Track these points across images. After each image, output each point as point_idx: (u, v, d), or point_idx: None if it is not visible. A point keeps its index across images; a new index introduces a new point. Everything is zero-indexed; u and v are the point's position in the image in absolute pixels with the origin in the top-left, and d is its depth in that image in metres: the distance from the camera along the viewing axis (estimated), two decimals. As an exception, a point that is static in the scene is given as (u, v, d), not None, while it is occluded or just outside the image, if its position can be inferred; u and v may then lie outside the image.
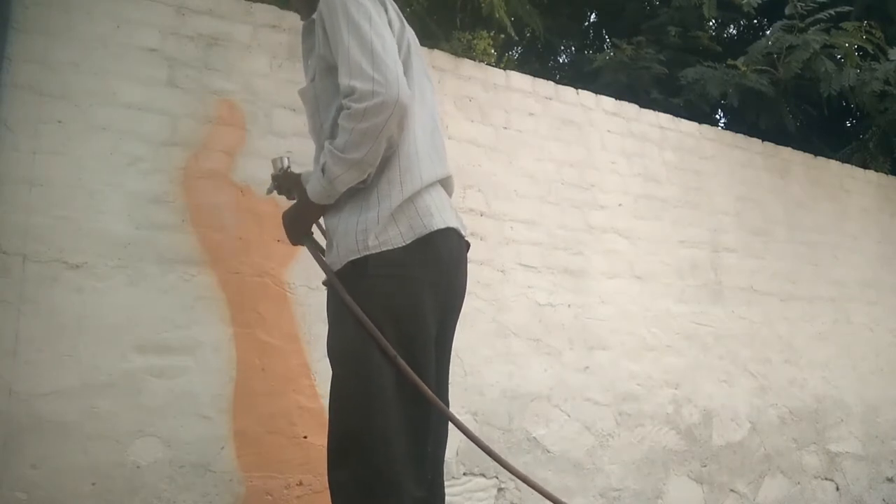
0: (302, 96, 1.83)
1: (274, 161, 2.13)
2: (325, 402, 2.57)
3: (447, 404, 1.73)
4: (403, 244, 1.57)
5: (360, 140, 1.50)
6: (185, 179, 2.50)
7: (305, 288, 2.63)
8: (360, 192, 1.63)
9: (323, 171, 1.59)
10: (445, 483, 1.77)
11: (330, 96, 1.67)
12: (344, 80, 1.52)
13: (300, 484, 2.51)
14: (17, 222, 2.22)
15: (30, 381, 2.17)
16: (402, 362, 1.55)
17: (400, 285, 1.59)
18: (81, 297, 2.27)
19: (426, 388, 1.57)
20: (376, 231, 1.57)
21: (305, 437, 2.54)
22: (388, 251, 1.56)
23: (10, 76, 2.27)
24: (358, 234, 1.58)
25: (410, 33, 1.78)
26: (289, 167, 2.10)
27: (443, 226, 1.64)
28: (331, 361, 1.69)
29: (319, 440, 2.56)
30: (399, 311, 1.59)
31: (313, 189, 1.65)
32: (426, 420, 1.62)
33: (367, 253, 1.56)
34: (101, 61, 2.42)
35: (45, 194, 2.27)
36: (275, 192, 2.15)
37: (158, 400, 2.33)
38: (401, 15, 1.74)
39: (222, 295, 2.49)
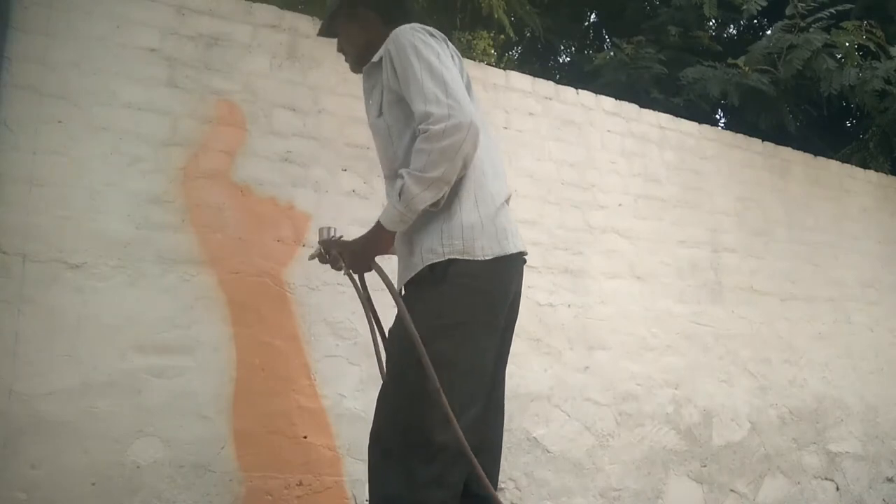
0: (374, 130, 1.88)
1: (321, 230, 2.13)
2: (325, 402, 2.60)
3: (503, 407, 1.81)
4: (484, 258, 1.66)
5: (439, 159, 1.58)
6: (185, 179, 2.50)
7: (305, 288, 2.63)
8: (437, 211, 1.69)
9: (400, 194, 1.65)
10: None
11: (402, 125, 1.75)
12: (420, 107, 1.62)
13: (300, 484, 2.51)
14: (17, 222, 2.22)
15: (30, 381, 2.17)
16: (440, 389, 1.59)
17: (475, 294, 1.66)
18: (81, 297, 2.27)
19: (450, 410, 1.59)
20: (462, 238, 1.66)
21: (305, 437, 2.54)
22: (468, 261, 1.64)
23: (10, 76, 2.27)
24: (444, 238, 1.66)
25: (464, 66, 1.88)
26: (340, 237, 2.07)
27: (515, 250, 1.73)
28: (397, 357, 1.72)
29: (319, 440, 2.56)
30: (471, 317, 1.66)
31: (388, 216, 1.71)
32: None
33: (451, 257, 1.64)
34: (101, 61, 2.42)
35: (45, 194, 2.27)
36: (317, 259, 2.17)
37: (158, 400, 2.33)
38: (456, 51, 1.84)
39: (222, 295, 2.49)
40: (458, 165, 1.60)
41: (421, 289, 1.69)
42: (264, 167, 2.65)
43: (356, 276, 1.90)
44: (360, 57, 1.93)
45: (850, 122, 6.82)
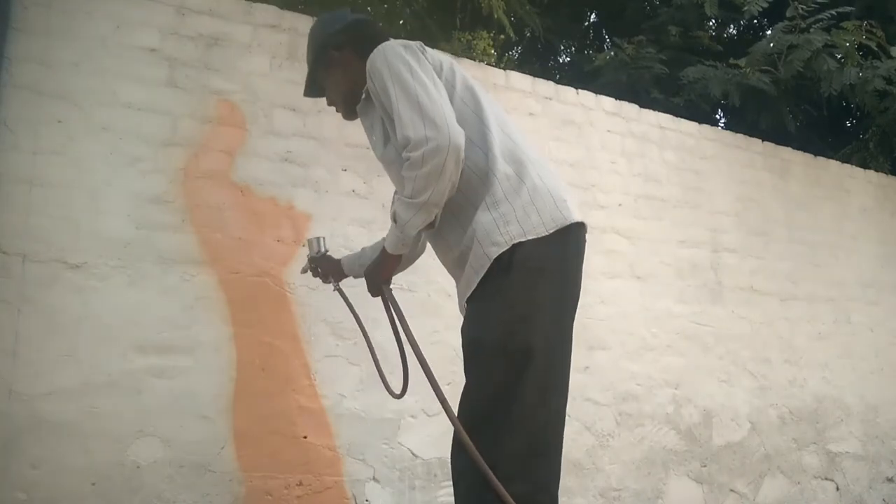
0: (385, 162, 1.87)
1: (310, 242, 2.17)
2: (325, 402, 2.60)
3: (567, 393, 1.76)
4: (546, 233, 1.61)
5: (425, 184, 1.57)
6: (185, 179, 2.50)
7: (305, 288, 2.63)
8: (481, 194, 1.66)
9: (395, 220, 1.66)
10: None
11: None
12: (399, 133, 1.61)
13: (300, 484, 2.51)
14: (17, 222, 2.23)
15: (30, 381, 2.17)
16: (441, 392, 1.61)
17: (544, 275, 1.62)
18: (81, 297, 2.27)
19: (446, 400, 1.62)
20: (518, 218, 1.61)
21: (305, 437, 2.54)
22: (531, 241, 1.60)
23: (10, 76, 2.27)
24: (500, 226, 1.61)
25: (453, 70, 1.81)
26: (326, 251, 2.15)
27: (577, 219, 1.69)
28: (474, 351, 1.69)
29: (319, 440, 2.56)
30: (545, 300, 1.63)
31: (390, 241, 1.72)
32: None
33: (514, 242, 1.59)
34: (101, 61, 2.42)
35: (45, 194, 2.27)
36: (309, 272, 2.20)
37: (158, 400, 2.33)
38: (438, 56, 1.79)
39: (222, 295, 2.49)
40: (446, 186, 1.59)
41: (488, 284, 1.63)
42: (264, 167, 2.65)
43: (387, 298, 1.89)
44: (350, 101, 1.92)
45: (850, 122, 6.82)
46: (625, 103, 3.74)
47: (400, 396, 2.09)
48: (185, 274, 2.44)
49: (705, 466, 3.51)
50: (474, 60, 3.41)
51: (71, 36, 2.39)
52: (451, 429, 1.68)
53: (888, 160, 5.40)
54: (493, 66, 3.74)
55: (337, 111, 2.00)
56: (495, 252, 1.60)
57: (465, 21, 4.86)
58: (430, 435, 2.74)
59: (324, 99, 2.02)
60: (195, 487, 2.34)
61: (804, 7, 4.51)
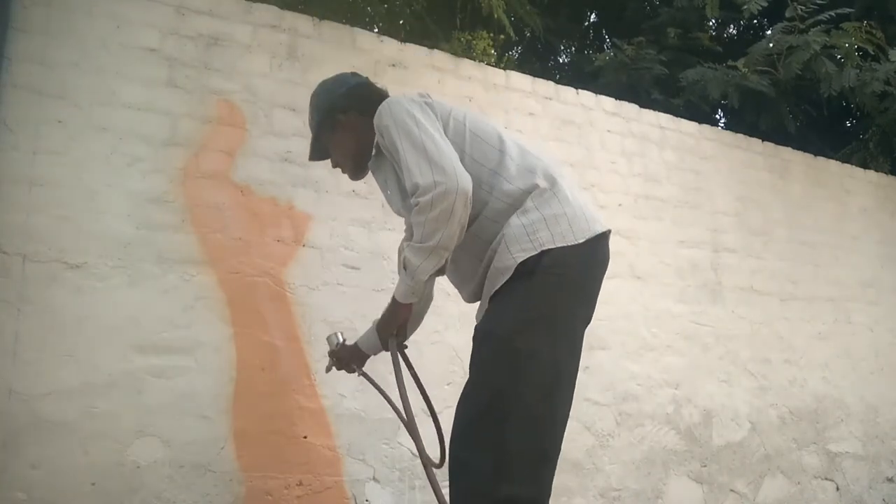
0: (403, 214, 1.89)
1: (329, 339, 2.19)
2: (325, 402, 2.60)
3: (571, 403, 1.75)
4: (575, 242, 1.64)
5: (434, 228, 1.60)
6: (185, 179, 2.50)
7: (305, 288, 2.63)
8: (508, 213, 1.68)
9: (405, 267, 1.68)
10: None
11: None
12: (408, 182, 1.65)
13: (300, 484, 2.51)
14: (17, 222, 2.22)
15: (30, 381, 2.17)
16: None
17: (565, 285, 1.65)
18: (81, 297, 2.27)
19: (390, 397, 1.67)
20: (548, 225, 1.64)
21: (305, 437, 2.54)
22: (560, 248, 1.62)
23: (10, 76, 2.27)
24: (529, 232, 1.64)
25: (464, 112, 1.85)
26: (345, 341, 2.17)
27: (604, 229, 1.72)
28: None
29: (319, 440, 2.56)
30: (559, 309, 1.65)
31: (400, 290, 1.74)
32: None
33: (543, 248, 1.62)
34: (101, 61, 2.42)
35: (45, 194, 2.27)
36: (333, 368, 2.22)
37: (158, 400, 2.33)
38: (445, 105, 1.83)
39: (222, 295, 2.49)
40: (455, 230, 1.61)
41: (511, 284, 1.64)
42: (264, 167, 2.65)
43: (394, 352, 1.90)
44: (358, 161, 1.95)
45: (850, 122, 6.82)
46: (624, 103, 3.74)
47: (440, 466, 1.92)
48: (185, 274, 2.44)
49: (705, 466, 3.51)
50: (474, 60, 3.41)
51: (71, 36, 2.39)
52: (451, 429, 1.68)
53: (888, 160, 5.41)
54: (493, 66, 3.74)
55: (343, 172, 2.02)
56: (522, 256, 1.62)
57: (465, 21, 4.87)
58: (430, 435, 2.73)
59: None
60: (195, 487, 2.34)
61: (803, 7, 4.51)
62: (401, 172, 1.72)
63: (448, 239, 1.62)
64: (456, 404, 1.65)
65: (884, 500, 4.15)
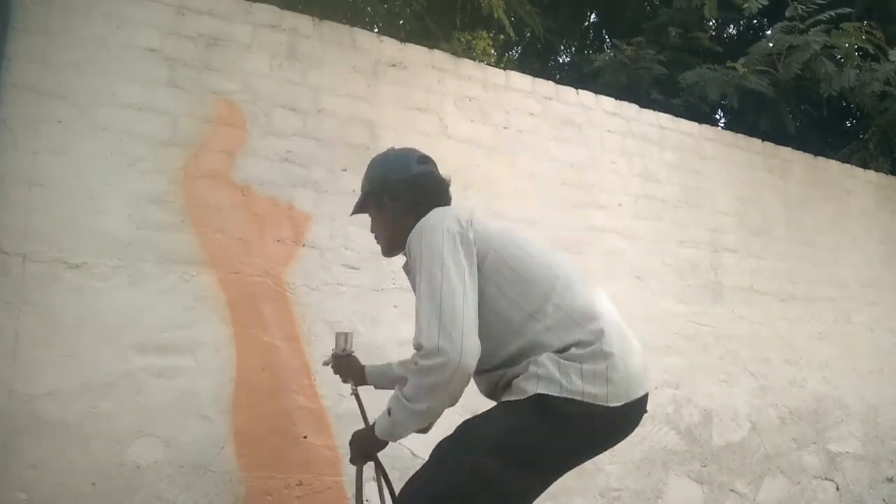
0: None
1: (337, 336, 2.22)
2: (325, 402, 2.60)
3: None
4: (607, 405, 1.51)
5: (426, 395, 1.54)
6: (185, 179, 2.50)
7: (305, 288, 2.63)
8: (552, 343, 1.57)
9: (389, 412, 1.62)
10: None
11: None
12: (415, 333, 1.57)
13: (300, 484, 2.51)
14: (17, 222, 2.22)
15: (30, 381, 2.17)
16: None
17: (574, 440, 1.56)
18: (81, 297, 2.27)
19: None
20: (584, 376, 1.52)
21: (305, 437, 2.54)
22: (591, 405, 1.50)
23: (10, 76, 2.27)
24: (563, 376, 1.51)
25: (508, 242, 1.72)
26: (352, 351, 2.19)
27: (644, 391, 1.60)
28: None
29: (319, 440, 2.56)
30: (547, 457, 1.57)
31: (380, 426, 1.67)
32: None
33: (569, 397, 1.50)
34: (101, 61, 2.42)
35: (45, 194, 2.27)
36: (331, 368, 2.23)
37: (158, 400, 2.33)
38: (492, 228, 1.72)
39: (222, 295, 2.49)
40: (445, 402, 1.55)
41: (518, 406, 1.54)
42: (264, 167, 2.65)
43: (360, 472, 1.90)
44: (391, 245, 1.90)
45: (850, 123, 6.83)
46: (625, 103, 3.74)
47: None
48: (185, 274, 2.44)
49: (705, 466, 3.51)
50: (474, 60, 3.41)
51: (71, 36, 2.39)
52: (452, 429, 1.69)
53: (888, 160, 5.41)
54: (493, 66, 3.74)
55: (377, 243, 1.96)
56: (546, 391, 1.51)
57: (465, 21, 4.86)
58: (429, 435, 2.73)
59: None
60: (195, 487, 2.34)
61: (803, 7, 4.51)
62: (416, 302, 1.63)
63: (435, 409, 1.56)
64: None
65: (884, 500, 4.15)
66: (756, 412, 3.75)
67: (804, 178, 4.33)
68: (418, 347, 1.55)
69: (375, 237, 1.96)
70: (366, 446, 1.83)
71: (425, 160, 1.90)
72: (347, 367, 2.25)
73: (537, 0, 5.25)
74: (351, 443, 1.88)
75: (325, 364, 2.32)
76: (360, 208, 1.96)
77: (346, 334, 2.26)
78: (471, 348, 1.52)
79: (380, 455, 1.91)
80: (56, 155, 2.31)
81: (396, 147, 2.00)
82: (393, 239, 1.88)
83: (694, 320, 3.64)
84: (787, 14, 4.57)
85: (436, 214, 1.70)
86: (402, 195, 1.83)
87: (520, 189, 3.23)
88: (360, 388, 2.24)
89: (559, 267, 1.70)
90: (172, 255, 2.43)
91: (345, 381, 2.28)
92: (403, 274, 1.86)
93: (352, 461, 1.89)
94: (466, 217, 1.70)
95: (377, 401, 2.23)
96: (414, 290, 1.68)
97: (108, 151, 2.39)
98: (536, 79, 3.47)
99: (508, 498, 1.56)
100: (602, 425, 1.56)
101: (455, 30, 4.84)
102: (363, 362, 2.29)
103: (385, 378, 2.21)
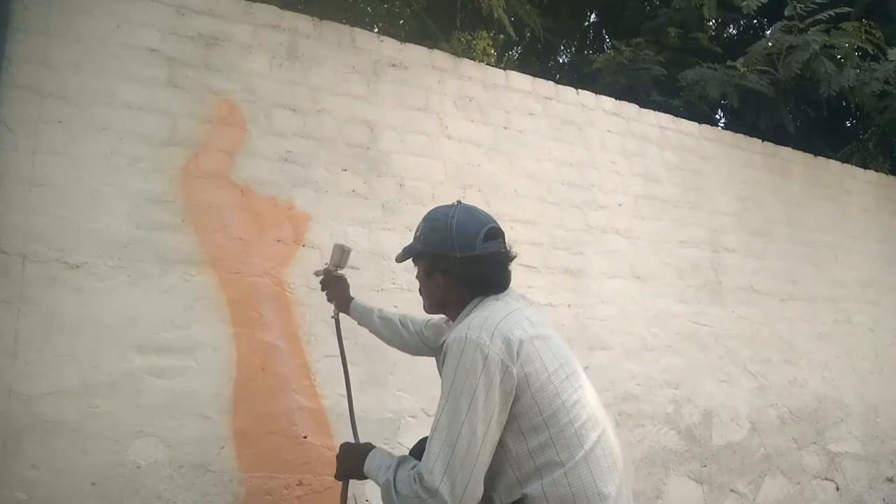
0: None
1: (335, 248, 2.21)
2: (325, 402, 2.60)
3: None
4: None
5: None
6: (185, 179, 2.50)
7: (305, 288, 2.63)
8: (540, 453, 1.53)
9: (380, 471, 1.61)
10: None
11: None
12: (423, 460, 1.52)
13: (300, 484, 2.51)
14: (17, 222, 2.22)
15: (30, 381, 2.17)
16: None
17: None
18: (81, 297, 2.27)
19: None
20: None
21: (305, 437, 2.54)
22: None
23: (10, 76, 2.27)
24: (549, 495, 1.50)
25: (551, 397, 1.58)
26: (344, 274, 2.20)
27: None
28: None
29: (319, 440, 2.56)
30: None
31: (371, 468, 1.67)
32: None
33: None
34: (101, 61, 2.42)
35: (45, 194, 2.27)
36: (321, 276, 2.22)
37: (158, 400, 2.33)
38: (533, 366, 1.56)
39: (222, 295, 2.49)
40: None
41: None
42: (264, 167, 2.65)
43: (344, 489, 1.91)
44: (433, 311, 1.82)
45: (850, 122, 6.83)
46: (624, 103, 3.74)
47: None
48: (185, 274, 2.44)
49: (705, 466, 3.51)
50: (474, 60, 3.41)
51: (71, 36, 2.39)
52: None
53: (888, 160, 5.41)
54: (493, 66, 3.74)
55: (420, 294, 1.83)
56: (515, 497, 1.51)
57: (465, 21, 4.87)
58: (430, 435, 2.74)
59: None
60: (195, 487, 2.34)
61: (803, 7, 4.52)
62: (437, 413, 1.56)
63: None
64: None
65: (884, 500, 4.15)
66: (756, 412, 3.75)
67: (804, 178, 4.33)
68: (419, 477, 1.50)
69: (419, 289, 1.83)
70: (351, 469, 1.79)
71: (494, 235, 1.69)
72: (336, 288, 2.20)
73: (537, 0, 5.24)
74: (338, 457, 1.85)
75: (316, 274, 2.28)
76: (407, 257, 1.80)
77: (342, 248, 2.16)
78: (469, 502, 1.49)
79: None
80: (56, 155, 2.31)
81: (465, 208, 1.73)
82: (435, 307, 1.79)
83: (694, 320, 3.64)
84: (787, 13, 4.57)
85: (487, 324, 1.54)
86: (456, 274, 1.68)
87: (520, 189, 3.23)
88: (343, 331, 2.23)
89: (589, 435, 1.63)
90: (172, 255, 2.43)
91: (329, 300, 2.26)
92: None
93: (336, 476, 1.86)
94: (518, 336, 1.54)
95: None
96: (441, 385, 1.59)
97: (108, 151, 2.39)
98: (536, 79, 3.47)
99: None
100: None
101: (455, 30, 4.84)
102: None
103: (368, 321, 2.21)
